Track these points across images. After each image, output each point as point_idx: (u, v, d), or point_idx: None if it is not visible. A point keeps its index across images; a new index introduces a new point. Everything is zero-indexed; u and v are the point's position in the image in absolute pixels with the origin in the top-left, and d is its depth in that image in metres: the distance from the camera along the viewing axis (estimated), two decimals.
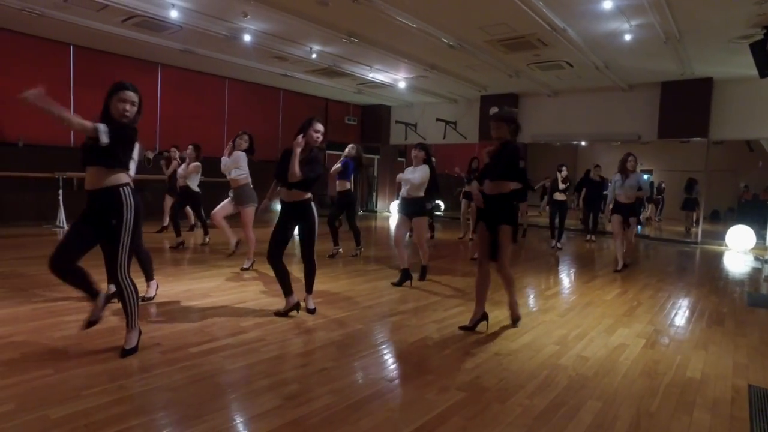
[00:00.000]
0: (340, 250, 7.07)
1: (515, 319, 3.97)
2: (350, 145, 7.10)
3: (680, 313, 4.75)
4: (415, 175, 5.25)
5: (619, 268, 6.66)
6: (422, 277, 5.53)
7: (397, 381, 2.88)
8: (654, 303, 5.10)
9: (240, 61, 10.42)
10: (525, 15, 6.83)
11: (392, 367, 3.11)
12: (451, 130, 13.95)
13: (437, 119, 13.82)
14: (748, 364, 3.36)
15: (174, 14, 7.39)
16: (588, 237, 10.38)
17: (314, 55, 9.59)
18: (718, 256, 9.06)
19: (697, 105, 10.14)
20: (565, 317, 4.38)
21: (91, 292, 2.97)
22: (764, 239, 9.98)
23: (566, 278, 6.45)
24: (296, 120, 14.74)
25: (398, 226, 5.52)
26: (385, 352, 3.35)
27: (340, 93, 13.69)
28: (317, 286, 4.54)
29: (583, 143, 17.17)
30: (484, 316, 3.80)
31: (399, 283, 5.29)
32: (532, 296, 5.27)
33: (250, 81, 12.68)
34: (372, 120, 15.56)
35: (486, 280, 3.75)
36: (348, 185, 6.90)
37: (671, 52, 8.26)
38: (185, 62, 10.85)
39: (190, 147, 7.55)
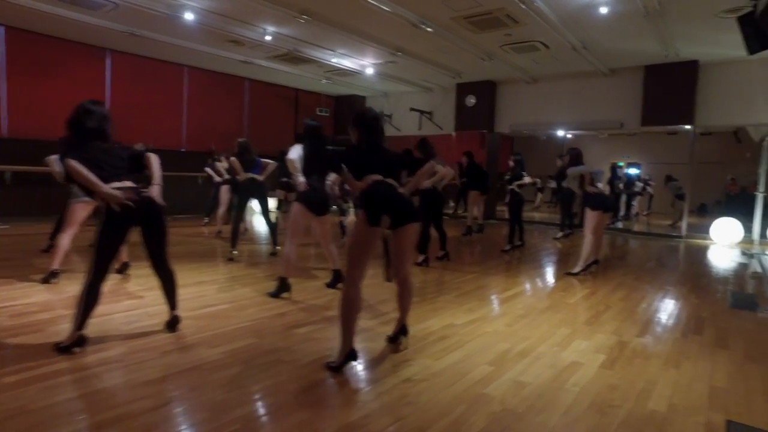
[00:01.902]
0: (234, 253, 6.03)
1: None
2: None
3: (653, 319, 4.05)
4: None
5: (576, 270, 5.72)
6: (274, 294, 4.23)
7: (254, 423, 2.15)
8: (624, 306, 4.39)
9: (194, 46, 9.67)
10: None
11: (260, 400, 2.37)
12: (426, 121, 13.23)
13: (411, 109, 13.07)
14: (728, 388, 2.66)
15: None
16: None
17: (268, 37, 8.83)
18: (703, 251, 8.40)
19: (683, 90, 9.46)
20: (514, 326, 3.66)
21: None
22: (752, 233, 9.33)
23: (531, 278, 5.71)
24: (264, 111, 14.05)
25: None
26: (265, 376, 2.61)
27: (310, 82, 12.92)
28: (234, 289, 3.83)
29: (569, 135, 16.50)
30: (402, 330, 3.08)
31: (331, 285, 4.57)
32: (483, 300, 4.53)
33: (211, 69, 11.90)
34: (345, 111, 14.77)
35: (400, 288, 3.02)
36: (248, 174, 6.04)
37: (653, 29, 7.56)
38: (136, 48, 10.06)
39: None
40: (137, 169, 3.17)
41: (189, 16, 7.76)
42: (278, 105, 13.62)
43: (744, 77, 9.05)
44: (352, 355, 2.63)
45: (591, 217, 5.64)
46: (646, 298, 4.77)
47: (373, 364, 2.83)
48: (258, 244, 7.35)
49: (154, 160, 3.16)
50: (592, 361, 2.99)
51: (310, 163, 4.18)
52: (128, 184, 2.94)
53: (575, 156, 6.21)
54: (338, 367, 2.64)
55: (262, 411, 2.26)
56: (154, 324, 3.38)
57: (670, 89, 9.55)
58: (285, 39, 9.08)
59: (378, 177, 2.79)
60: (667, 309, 4.41)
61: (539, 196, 16.55)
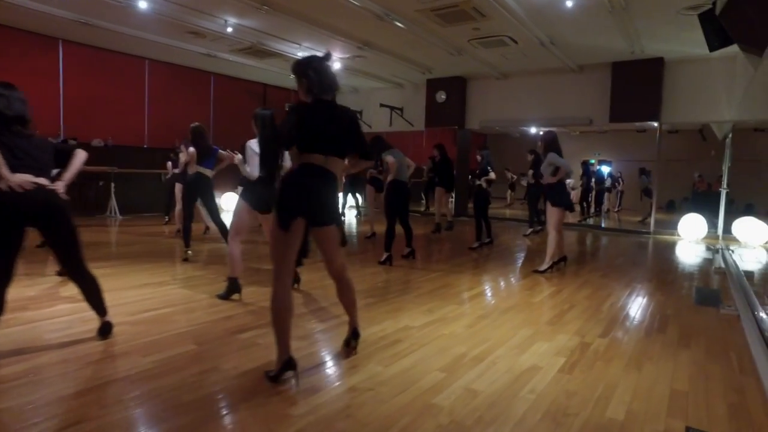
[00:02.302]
0: (189, 253, 5.68)
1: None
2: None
3: (617, 318, 3.94)
4: None
5: (542, 268, 5.60)
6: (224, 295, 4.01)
7: None
8: (589, 305, 4.29)
9: (153, 37, 9.29)
10: None
11: (185, 414, 2.14)
12: (397, 117, 13.05)
13: (381, 105, 12.87)
14: (689, 392, 2.54)
15: None
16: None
17: (230, 29, 8.52)
18: (670, 247, 8.45)
19: (649, 87, 9.52)
20: (474, 328, 3.50)
21: None
22: (716, 228, 9.46)
23: (497, 276, 5.56)
24: (231, 106, 13.61)
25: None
26: (196, 387, 2.38)
27: (278, 77, 12.60)
28: (183, 291, 3.55)
29: (541, 132, 16.57)
30: (354, 333, 2.88)
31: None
32: (445, 300, 4.35)
33: (174, 63, 11.48)
34: None
35: (337, 286, 2.81)
36: (197, 168, 5.58)
37: (618, 25, 7.55)
38: (92, 38, 9.61)
39: None
40: (63, 167, 2.87)
41: (143, 5, 7.41)
42: (246, 100, 13.24)
43: (707, 74, 9.15)
44: (289, 364, 2.42)
45: (552, 213, 5.55)
46: (612, 295, 4.68)
47: (316, 372, 2.63)
48: (219, 243, 7.04)
49: (79, 157, 2.86)
50: (551, 365, 2.84)
51: (263, 157, 3.91)
52: (43, 181, 2.64)
53: (551, 140, 5.59)
54: (276, 377, 2.42)
55: (185, 427, 2.03)
56: (86, 331, 3.11)
57: (636, 86, 9.59)
58: (248, 31, 8.78)
59: (314, 159, 2.50)
60: (632, 307, 4.32)
61: (510, 193, 16.58)
